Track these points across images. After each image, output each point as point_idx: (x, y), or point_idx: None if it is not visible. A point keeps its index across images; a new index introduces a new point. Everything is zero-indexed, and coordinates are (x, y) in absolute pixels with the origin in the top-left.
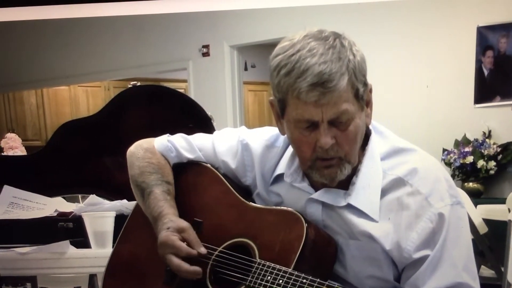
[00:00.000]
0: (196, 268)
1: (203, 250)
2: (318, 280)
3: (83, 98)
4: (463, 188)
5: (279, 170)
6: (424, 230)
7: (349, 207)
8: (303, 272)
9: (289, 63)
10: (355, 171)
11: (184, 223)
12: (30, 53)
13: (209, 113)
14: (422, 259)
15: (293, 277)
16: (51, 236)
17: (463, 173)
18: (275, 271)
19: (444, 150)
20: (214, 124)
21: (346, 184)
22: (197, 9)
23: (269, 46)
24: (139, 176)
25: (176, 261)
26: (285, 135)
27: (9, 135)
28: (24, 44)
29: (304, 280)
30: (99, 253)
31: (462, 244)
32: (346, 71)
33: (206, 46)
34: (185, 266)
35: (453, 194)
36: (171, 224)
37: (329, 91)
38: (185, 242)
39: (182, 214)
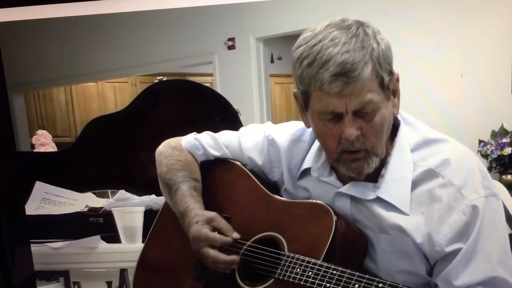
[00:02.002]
0: (234, 257)
1: (236, 235)
2: (348, 270)
3: (110, 94)
4: (500, 181)
5: (306, 165)
6: (457, 223)
7: (379, 200)
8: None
9: (311, 53)
10: (383, 163)
11: (211, 213)
12: (58, 50)
13: (235, 106)
14: (455, 253)
15: (323, 269)
16: (83, 231)
17: (501, 165)
18: (304, 263)
19: (480, 141)
20: (241, 118)
21: (375, 177)
22: (222, 2)
23: (296, 37)
24: (167, 174)
25: (212, 252)
26: (311, 128)
27: (40, 132)
28: (52, 42)
29: (334, 272)
30: (130, 248)
31: (497, 237)
32: (370, 60)
33: (232, 39)
34: (222, 256)
35: (488, 185)
36: (199, 217)
37: (352, 80)
38: (216, 232)
39: (210, 210)
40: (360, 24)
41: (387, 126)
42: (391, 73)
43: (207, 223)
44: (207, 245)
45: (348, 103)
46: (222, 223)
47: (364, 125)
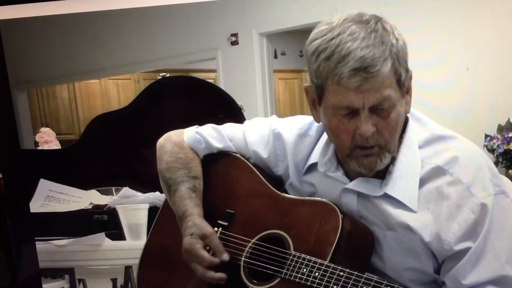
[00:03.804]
0: (220, 275)
1: (225, 257)
2: (356, 273)
3: (113, 91)
4: (507, 175)
5: (312, 159)
6: (466, 222)
7: (386, 197)
8: (339, 264)
9: (329, 47)
10: (392, 160)
11: (207, 229)
12: (61, 47)
13: (239, 102)
14: (464, 251)
15: (330, 270)
16: (87, 228)
17: (507, 159)
18: (311, 264)
19: (486, 136)
20: (245, 114)
21: (382, 174)
22: None
23: (299, 32)
24: (166, 172)
25: (200, 270)
26: (320, 123)
27: (43, 129)
28: (55, 39)
29: (342, 273)
30: (134, 245)
31: (507, 236)
32: (390, 56)
33: (235, 35)
34: (209, 274)
35: (497, 183)
36: (194, 229)
37: (372, 76)
38: (208, 248)
39: (213, 206)
40: (378, 19)
41: (400, 124)
42: (407, 70)
43: (201, 238)
44: (195, 261)
45: (365, 98)
46: (215, 242)
47: (380, 122)
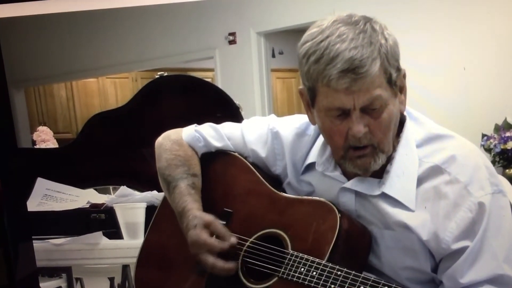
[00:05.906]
0: (231, 265)
1: (233, 240)
2: (353, 272)
3: (111, 90)
4: (504, 175)
5: (310, 159)
6: (463, 220)
7: (384, 196)
8: (337, 263)
9: (318, 49)
10: (389, 159)
11: (208, 217)
12: (59, 46)
13: (237, 102)
14: (461, 250)
15: (327, 269)
16: (84, 227)
17: (504, 159)
18: (309, 263)
19: (483, 135)
20: (243, 113)
21: (380, 173)
22: None
23: (297, 32)
24: (166, 169)
25: (211, 259)
26: (316, 124)
27: (41, 128)
28: (53, 37)
29: (339, 272)
30: (132, 244)
31: (504, 235)
32: (378, 56)
33: (233, 34)
34: (220, 264)
35: (494, 182)
36: (196, 220)
37: (361, 77)
38: (214, 236)
39: (211, 204)
40: (367, 20)
41: (394, 123)
42: (398, 69)
43: (205, 227)
44: (205, 250)
45: (356, 99)
46: (219, 227)
47: (372, 122)
